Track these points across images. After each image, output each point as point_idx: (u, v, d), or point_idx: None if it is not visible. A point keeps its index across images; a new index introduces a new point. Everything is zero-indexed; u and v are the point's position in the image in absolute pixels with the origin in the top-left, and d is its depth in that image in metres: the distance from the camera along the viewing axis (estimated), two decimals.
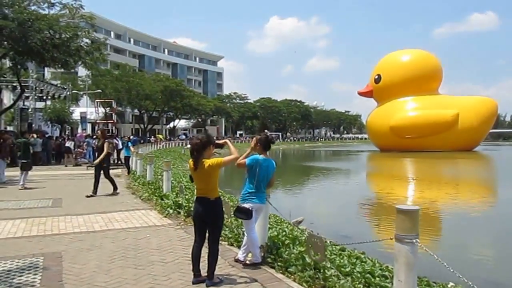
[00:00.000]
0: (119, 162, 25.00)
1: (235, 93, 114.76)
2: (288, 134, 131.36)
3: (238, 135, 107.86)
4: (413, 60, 57.77)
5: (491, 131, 66.17)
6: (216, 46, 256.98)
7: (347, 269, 5.29)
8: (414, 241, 3.79)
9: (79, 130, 42.55)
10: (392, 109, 55.89)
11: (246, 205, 5.62)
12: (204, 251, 5.14)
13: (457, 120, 53.22)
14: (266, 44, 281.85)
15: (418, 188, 21.39)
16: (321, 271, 5.20)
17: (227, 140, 5.64)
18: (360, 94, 63.37)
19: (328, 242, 6.82)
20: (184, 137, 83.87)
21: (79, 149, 28.58)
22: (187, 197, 10.12)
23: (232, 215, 6.68)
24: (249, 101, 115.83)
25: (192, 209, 6.53)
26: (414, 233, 3.81)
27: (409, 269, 3.79)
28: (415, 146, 52.22)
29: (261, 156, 5.72)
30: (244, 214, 5.61)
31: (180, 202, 9.80)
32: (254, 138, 5.83)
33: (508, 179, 26.42)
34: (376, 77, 59.03)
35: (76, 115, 44.08)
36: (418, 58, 58.26)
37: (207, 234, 5.14)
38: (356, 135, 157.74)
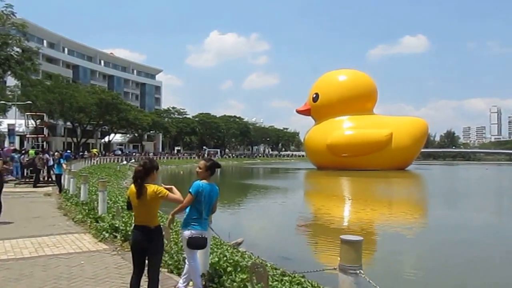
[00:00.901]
0: (50, 179, 23.80)
1: (173, 107, 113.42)
2: (226, 150, 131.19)
3: (175, 151, 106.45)
4: (350, 80, 59.75)
5: (422, 150, 69.25)
6: (155, 59, 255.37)
7: None
8: (358, 272, 3.75)
9: (6, 144, 40.25)
10: (329, 128, 57.26)
11: (188, 232, 5.37)
12: (144, 280, 4.84)
13: (391, 140, 55.33)
14: (205, 58, 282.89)
15: (354, 208, 21.69)
16: None
17: (173, 187, 5.33)
18: (299, 112, 64.56)
19: (269, 266, 6.71)
20: (120, 152, 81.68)
21: (5, 165, 26.90)
22: (124, 219, 9.63)
23: (181, 246, 6.36)
24: (187, 116, 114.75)
25: (129, 232, 6.19)
26: (358, 264, 3.79)
27: None
28: (351, 165, 53.62)
29: (204, 182, 5.48)
30: (200, 245, 5.39)
31: (117, 225, 9.31)
32: (202, 164, 5.58)
33: (439, 198, 27.57)
34: (314, 95, 60.41)
35: (3, 127, 41.66)
36: (354, 78, 60.36)
37: (146, 263, 4.86)
38: (294, 153, 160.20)
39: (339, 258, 3.89)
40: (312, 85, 63.43)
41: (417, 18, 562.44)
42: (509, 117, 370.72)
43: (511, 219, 19.79)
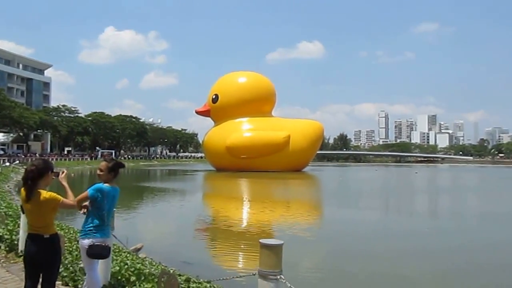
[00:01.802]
0: None
1: (64, 105, 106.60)
2: (122, 151, 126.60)
3: (66, 152, 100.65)
4: (250, 82, 60.46)
5: (317, 152, 71.94)
6: (44, 53, 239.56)
7: None
8: (279, 277, 3.62)
9: None
10: (228, 129, 57.41)
11: (87, 241, 4.81)
12: None
13: (288, 142, 56.76)
14: (100, 55, 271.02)
15: (253, 210, 21.75)
16: None
17: (65, 171, 4.77)
18: (198, 113, 64.07)
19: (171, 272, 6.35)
20: (1, 152, 75.63)
21: None
22: (9, 227, 8.63)
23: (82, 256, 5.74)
24: (79, 115, 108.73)
25: (15, 242, 5.46)
26: (278, 269, 3.66)
27: None
28: (250, 166, 54.17)
29: (106, 185, 4.93)
30: (102, 254, 4.84)
31: (1, 233, 8.32)
32: (104, 165, 5.01)
33: (333, 198, 28.68)
34: (214, 96, 60.26)
35: None
36: (254, 80, 61.18)
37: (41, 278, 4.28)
38: (193, 154, 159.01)
39: (258, 265, 3.72)
40: (212, 86, 63.25)
41: (313, 25, 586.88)
42: (396, 121, 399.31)
43: (399, 215, 20.96)
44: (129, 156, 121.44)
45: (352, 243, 13.03)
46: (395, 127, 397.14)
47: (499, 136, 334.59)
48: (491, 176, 64.56)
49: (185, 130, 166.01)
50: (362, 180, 50.02)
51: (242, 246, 12.68)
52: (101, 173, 4.97)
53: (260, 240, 3.78)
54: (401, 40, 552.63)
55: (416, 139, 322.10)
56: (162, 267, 7.08)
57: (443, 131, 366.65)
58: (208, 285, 5.89)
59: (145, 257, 8.26)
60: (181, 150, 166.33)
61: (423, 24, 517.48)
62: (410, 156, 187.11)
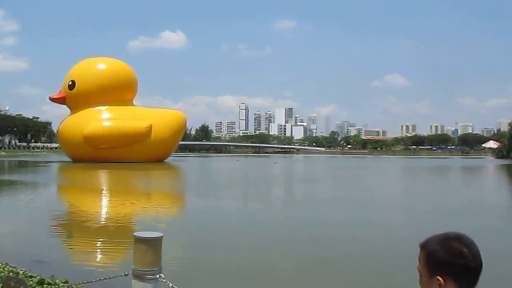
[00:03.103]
0: None
1: None
2: None
3: None
4: (110, 69, 57.62)
5: (180, 143, 71.20)
6: None
7: None
8: (158, 276, 3.09)
9: None
10: (86, 118, 54.16)
11: None
12: None
13: (150, 132, 55.32)
14: None
15: (114, 202, 20.78)
16: None
17: None
18: (52, 99, 59.52)
19: (21, 273, 5.61)
20: None
21: None
22: None
23: None
24: None
25: None
26: (157, 266, 3.11)
27: None
28: (110, 157, 51.61)
29: None
30: None
31: None
32: None
33: (196, 189, 28.63)
34: (70, 83, 56.29)
35: None
36: (114, 67, 58.46)
37: None
38: (46, 144, 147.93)
39: (132, 264, 3.14)
40: (68, 72, 58.99)
41: (176, 15, 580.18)
42: (255, 113, 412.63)
43: (260, 203, 21.42)
44: None
45: (219, 235, 12.81)
46: (255, 119, 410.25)
47: (348, 129, 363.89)
48: (341, 164, 69.59)
49: (37, 118, 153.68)
50: (225, 171, 50.65)
51: (103, 242, 11.91)
52: None
53: (135, 234, 3.22)
54: (262, 35, 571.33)
55: (274, 131, 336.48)
56: (10, 268, 6.35)
57: (298, 123, 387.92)
58: (65, 285, 5.25)
59: None
60: (33, 140, 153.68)
61: (283, 21, 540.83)
62: (269, 147, 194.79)
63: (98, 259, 10.34)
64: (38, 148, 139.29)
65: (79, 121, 54.28)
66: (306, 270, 9.15)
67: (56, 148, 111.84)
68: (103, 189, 27.25)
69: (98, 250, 11.27)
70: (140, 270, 3.08)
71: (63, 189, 28.54)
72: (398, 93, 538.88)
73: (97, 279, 4.35)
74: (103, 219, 15.94)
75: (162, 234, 3.27)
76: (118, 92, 56.00)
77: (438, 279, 1.71)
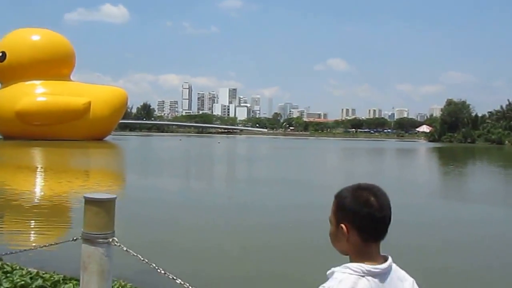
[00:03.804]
0: None
1: None
2: None
3: None
4: (45, 41, 54.47)
5: (120, 121, 69.11)
6: None
7: None
8: (111, 240, 2.89)
9: None
10: (18, 93, 51.14)
11: None
12: None
13: (89, 109, 53.21)
14: None
15: (48, 181, 19.82)
16: None
17: None
18: None
19: None
20: None
21: None
22: None
23: None
24: None
25: None
26: (110, 229, 2.94)
27: (103, 278, 2.84)
28: (44, 134, 49.17)
29: None
30: None
31: None
32: None
33: (137, 167, 27.98)
34: (0, 54, 52.86)
35: None
36: (50, 39, 55.33)
37: None
38: None
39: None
40: None
41: None
42: (199, 93, 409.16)
43: (202, 182, 21.03)
44: None
45: (161, 212, 12.46)
46: (198, 99, 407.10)
47: (290, 111, 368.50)
48: (282, 145, 70.21)
49: None
50: (167, 149, 49.82)
51: (37, 221, 11.12)
52: None
53: (85, 195, 2.97)
54: (207, 14, 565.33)
55: (217, 111, 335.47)
56: None
57: (242, 104, 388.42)
58: None
59: None
60: None
61: (229, 0, 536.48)
62: (212, 127, 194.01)
63: (31, 239, 9.53)
64: None
65: (11, 96, 51.22)
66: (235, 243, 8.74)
67: None
68: (37, 167, 25.77)
69: (32, 232, 10.48)
70: (90, 234, 2.85)
71: None
72: (340, 77, 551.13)
73: (41, 246, 4.18)
74: (37, 198, 15.01)
75: (115, 196, 3.02)
76: (53, 66, 53.08)
77: (342, 227, 1.68)
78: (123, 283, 4.47)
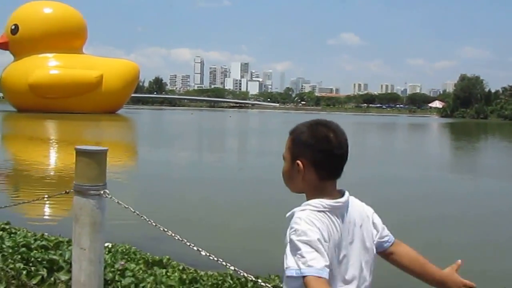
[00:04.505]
0: None
1: None
2: None
3: None
4: (57, 13, 54.16)
5: (132, 95, 69.19)
6: None
7: None
8: (103, 192, 2.87)
9: None
10: (31, 66, 51.22)
11: None
12: None
13: (101, 82, 53.17)
14: None
15: (62, 152, 19.84)
16: None
17: None
18: None
19: None
20: None
21: None
22: None
23: None
24: None
25: None
26: (102, 182, 2.90)
27: (95, 230, 2.87)
28: (57, 107, 49.41)
29: None
30: None
31: None
32: None
33: (148, 140, 28.30)
34: (13, 27, 52.83)
35: None
36: (62, 12, 54.97)
37: None
38: None
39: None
40: (11, 15, 55.28)
41: None
42: (211, 67, 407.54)
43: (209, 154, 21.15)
44: None
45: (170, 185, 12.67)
46: (210, 73, 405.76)
47: (302, 86, 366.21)
48: (294, 119, 69.75)
49: None
50: (179, 123, 50.04)
51: (48, 192, 11.10)
52: None
53: (77, 147, 2.94)
54: None
55: (229, 85, 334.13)
56: None
57: (254, 79, 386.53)
58: None
59: None
60: None
61: None
62: (224, 101, 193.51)
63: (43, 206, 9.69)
64: None
65: (24, 69, 51.33)
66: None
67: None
68: (50, 140, 26.01)
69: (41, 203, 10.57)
70: (82, 185, 2.85)
71: (5, 139, 27.04)
72: (352, 52, 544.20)
73: (34, 199, 4.27)
74: (49, 169, 15.19)
75: (107, 148, 3.05)
76: (66, 38, 52.98)
77: (297, 163, 1.62)
78: (127, 246, 4.57)
